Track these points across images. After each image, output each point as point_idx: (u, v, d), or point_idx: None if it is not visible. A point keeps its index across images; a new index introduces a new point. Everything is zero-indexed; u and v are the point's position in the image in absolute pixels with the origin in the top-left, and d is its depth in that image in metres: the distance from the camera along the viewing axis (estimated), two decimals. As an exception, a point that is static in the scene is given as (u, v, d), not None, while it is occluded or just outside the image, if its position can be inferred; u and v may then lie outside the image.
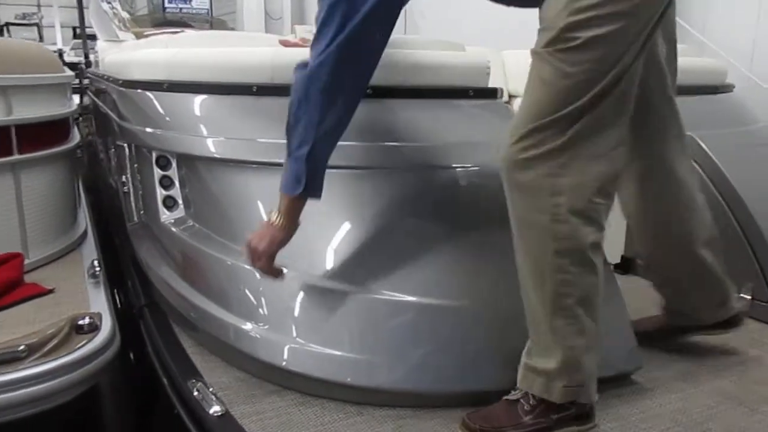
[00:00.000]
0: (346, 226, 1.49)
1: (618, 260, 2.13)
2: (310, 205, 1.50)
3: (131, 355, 1.76)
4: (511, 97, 3.70)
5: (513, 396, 1.24)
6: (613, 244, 2.10)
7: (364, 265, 1.42)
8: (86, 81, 4.15)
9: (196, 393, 1.29)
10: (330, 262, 1.44)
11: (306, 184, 1.27)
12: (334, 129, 1.31)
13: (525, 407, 1.20)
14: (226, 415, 1.24)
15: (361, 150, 1.55)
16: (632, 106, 1.22)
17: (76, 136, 2.31)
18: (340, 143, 1.57)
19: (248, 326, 1.42)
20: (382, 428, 1.22)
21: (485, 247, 1.45)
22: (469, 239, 1.46)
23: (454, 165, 1.55)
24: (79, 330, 1.49)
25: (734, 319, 1.57)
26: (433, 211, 1.53)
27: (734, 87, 2.36)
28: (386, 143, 1.59)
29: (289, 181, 1.29)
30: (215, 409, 1.24)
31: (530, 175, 1.17)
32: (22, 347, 1.37)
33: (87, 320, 1.50)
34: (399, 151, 1.58)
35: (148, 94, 1.79)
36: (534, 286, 1.21)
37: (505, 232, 1.46)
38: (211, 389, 1.31)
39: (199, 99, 1.68)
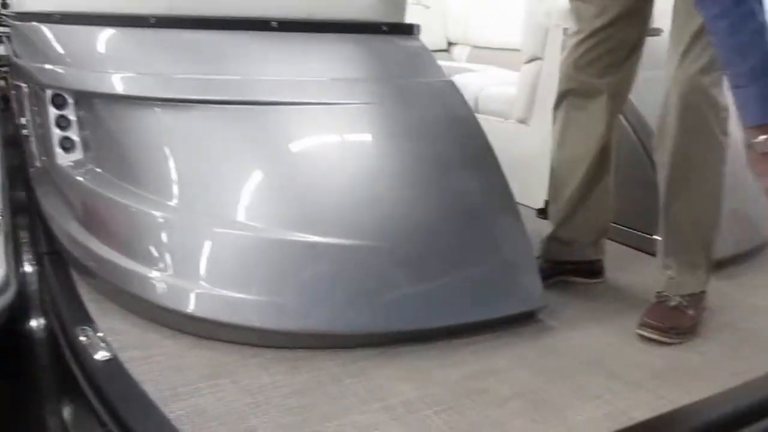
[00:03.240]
0: (250, 165, 1.43)
1: (542, 205, 2.13)
2: (213, 142, 1.45)
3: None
4: (450, 44, 3.66)
5: (671, 302, 1.42)
6: (537, 190, 2.09)
7: (263, 205, 1.38)
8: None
9: (83, 338, 1.24)
10: (229, 203, 1.38)
11: None
12: None
13: (684, 303, 1.40)
14: (112, 361, 1.18)
15: (267, 85, 1.49)
16: None
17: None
18: (242, 78, 1.52)
19: (145, 270, 1.36)
20: (276, 369, 1.19)
21: (391, 185, 1.42)
22: (374, 177, 1.43)
23: (357, 101, 1.49)
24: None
25: (599, 266, 1.67)
26: (339, 150, 1.49)
27: (662, 31, 2.34)
28: (293, 78, 1.52)
29: None
30: (102, 355, 1.19)
31: (706, 94, 1.35)
32: None
33: (-24, 267, 1.42)
34: (305, 86, 1.51)
35: (41, 26, 1.66)
36: (712, 201, 1.43)
37: (412, 170, 1.45)
38: (99, 334, 1.25)
39: (92, 31, 1.56)
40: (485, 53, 3.28)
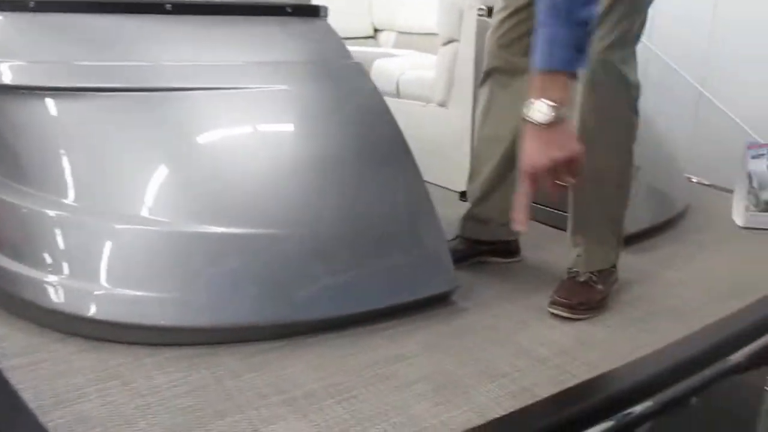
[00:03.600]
0: (152, 156, 1.35)
1: (464, 188, 2.12)
2: (111, 133, 1.37)
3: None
4: (376, 30, 3.62)
5: (580, 277, 1.41)
6: (459, 173, 2.08)
7: (167, 198, 1.32)
8: None
9: (-40, 348, 1.15)
10: (131, 198, 1.31)
11: (584, 55, 1.03)
12: None
13: (594, 278, 1.40)
14: (-9, 369, 1.10)
15: (167, 70, 1.42)
16: None
17: None
18: (140, 64, 1.44)
19: (38, 274, 1.27)
20: (172, 367, 1.13)
21: (298, 171, 1.38)
22: (282, 164, 1.38)
23: (261, 86, 1.44)
24: None
25: (515, 246, 1.67)
26: (245, 136, 1.43)
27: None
28: (193, 63, 1.45)
29: (567, 54, 1.01)
30: (-20, 364, 1.10)
31: (615, 71, 1.31)
32: None
33: None
34: (207, 71, 1.45)
35: None
36: (620, 178, 1.42)
37: (319, 155, 1.41)
38: (-21, 343, 1.17)
39: (-32, 17, 1.45)
40: (411, 39, 3.25)
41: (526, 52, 1.47)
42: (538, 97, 1.01)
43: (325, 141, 1.44)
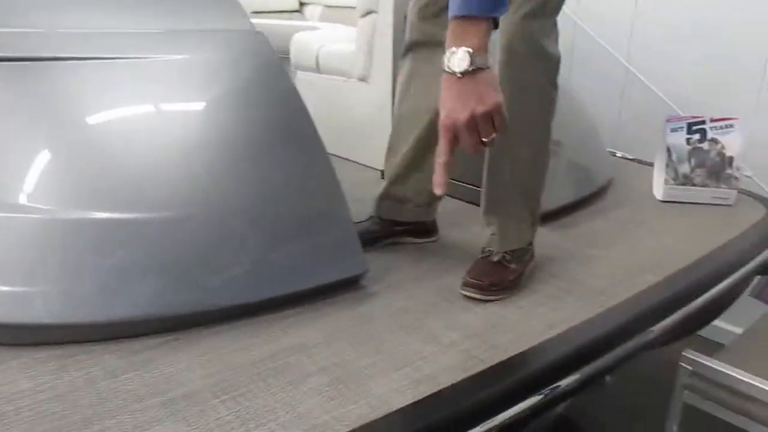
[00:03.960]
0: (30, 135, 1.22)
1: (387, 166, 2.05)
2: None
3: None
4: (302, 4, 3.49)
5: (494, 257, 1.36)
6: (381, 150, 2.01)
7: (48, 182, 1.19)
8: None
9: None
10: (5, 183, 1.18)
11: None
12: None
13: (507, 258, 1.35)
14: None
15: (38, 38, 1.29)
16: None
17: None
18: (5, 30, 1.30)
19: None
20: (41, 369, 1.02)
21: (191, 150, 1.27)
22: (175, 142, 1.27)
23: (151, 56, 1.32)
24: None
25: (432, 226, 1.61)
26: (136, 111, 1.31)
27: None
28: (76, 30, 1.32)
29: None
30: None
31: (533, 42, 1.26)
32: None
33: None
34: (91, 39, 1.31)
35: None
36: (536, 154, 1.37)
37: (205, 133, 1.31)
38: None
39: None
40: (338, 12, 3.14)
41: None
42: (456, 46, 0.93)
43: (221, 116, 1.32)
